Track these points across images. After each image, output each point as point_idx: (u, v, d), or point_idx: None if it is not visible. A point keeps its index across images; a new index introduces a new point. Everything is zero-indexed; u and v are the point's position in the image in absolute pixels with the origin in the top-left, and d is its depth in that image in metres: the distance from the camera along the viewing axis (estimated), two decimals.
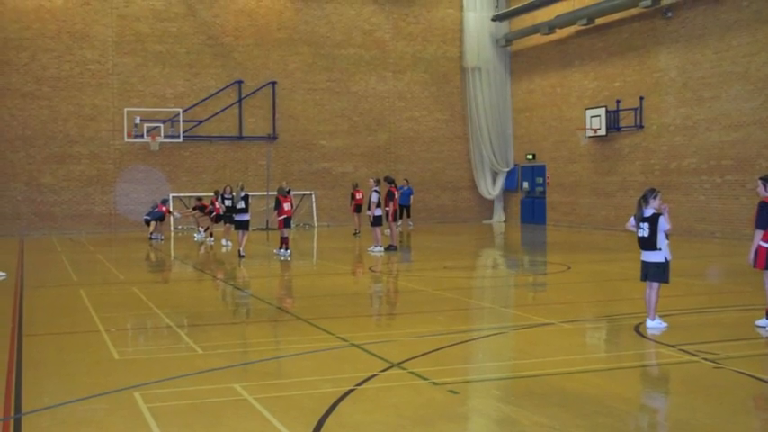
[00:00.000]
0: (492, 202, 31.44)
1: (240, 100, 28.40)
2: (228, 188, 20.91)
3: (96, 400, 6.49)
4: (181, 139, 27.29)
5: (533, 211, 30.15)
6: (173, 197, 27.32)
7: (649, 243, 9.06)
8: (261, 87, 28.59)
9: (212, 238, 22.86)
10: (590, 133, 26.07)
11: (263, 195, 26.74)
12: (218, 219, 22.27)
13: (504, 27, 30.94)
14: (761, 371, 7.46)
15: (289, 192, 18.69)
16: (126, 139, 26.74)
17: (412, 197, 27.26)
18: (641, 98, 24.44)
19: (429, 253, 19.76)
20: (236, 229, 18.72)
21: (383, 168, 29.25)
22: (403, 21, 30.43)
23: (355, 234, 24.49)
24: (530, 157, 30.22)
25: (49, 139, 26.66)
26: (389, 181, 19.75)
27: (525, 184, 30.69)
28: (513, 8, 29.83)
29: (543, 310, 10.78)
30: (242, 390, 6.68)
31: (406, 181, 27.90)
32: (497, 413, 6.08)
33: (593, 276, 14.96)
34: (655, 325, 9.08)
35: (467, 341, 8.85)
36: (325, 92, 29.48)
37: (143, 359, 8.12)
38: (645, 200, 9.13)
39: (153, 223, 23.74)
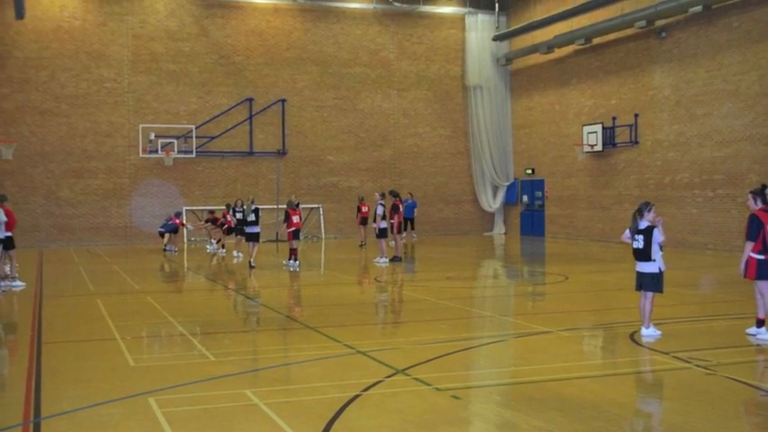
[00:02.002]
0: (493, 214, 31.70)
1: (251, 117, 28.75)
2: (240, 201, 21.10)
3: (112, 405, 6.61)
4: (194, 155, 27.66)
5: (532, 224, 30.39)
6: (186, 210, 27.60)
7: (644, 254, 9.20)
8: (271, 105, 28.95)
9: (224, 250, 23.13)
10: (587, 149, 26.35)
11: (273, 208, 27.05)
12: (229, 231, 22.54)
13: (504, 47, 31.31)
14: (751, 377, 7.60)
15: (297, 205, 18.79)
16: (141, 155, 27.09)
17: (416, 210, 27.59)
18: (636, 115, 24.72)
19: (432, 264, 19.92)
20: (247, 240, 19.02)
21: (388, 182, 29.53)
22: (407, 41, 30.82)
23: (361, 246, 24.68)
24: (529, 171, 30.50)
25: (67, 154, 27.05)
26: (394, 194, 20.03)
27: (525, 198, 30.94)
28: (513, 28, 30.19)
29: (542, 319, 10.92)
30: (253, 395, 6.79)
31: (410, 194, 28.27)
32: (498, 418, 6.18)
33: (590, 286, 15.06)
34: (649, 333, 9.23)
35: (468, 348, 8.96)
36: (332, 109, 29.84)
37: (157, 366, 8.22)
38: (640, 213, 9.27)
39: (167, 235, 24.05)
